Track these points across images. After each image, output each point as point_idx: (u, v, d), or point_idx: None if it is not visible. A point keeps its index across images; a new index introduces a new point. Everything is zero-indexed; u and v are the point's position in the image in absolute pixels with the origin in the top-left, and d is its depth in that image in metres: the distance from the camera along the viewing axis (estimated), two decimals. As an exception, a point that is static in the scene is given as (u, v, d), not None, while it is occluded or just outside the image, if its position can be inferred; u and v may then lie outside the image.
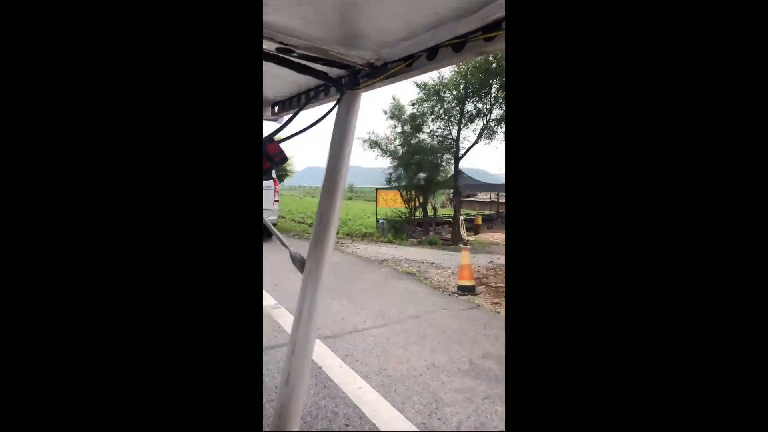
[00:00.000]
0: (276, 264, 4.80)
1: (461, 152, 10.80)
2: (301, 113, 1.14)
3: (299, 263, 1.03)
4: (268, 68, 0.88)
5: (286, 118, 1.43)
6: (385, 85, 0.92)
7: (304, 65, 0.88)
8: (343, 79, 0.97)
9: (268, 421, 2.23)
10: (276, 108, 1.40)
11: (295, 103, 1.27)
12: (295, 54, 0.83)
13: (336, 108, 0.99)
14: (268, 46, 0.79)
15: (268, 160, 0.93)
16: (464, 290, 4.98)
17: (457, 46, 0.72)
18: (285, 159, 0.96)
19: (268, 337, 3.29)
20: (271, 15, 0.69)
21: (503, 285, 5.49)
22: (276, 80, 1.11)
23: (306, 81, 1.09)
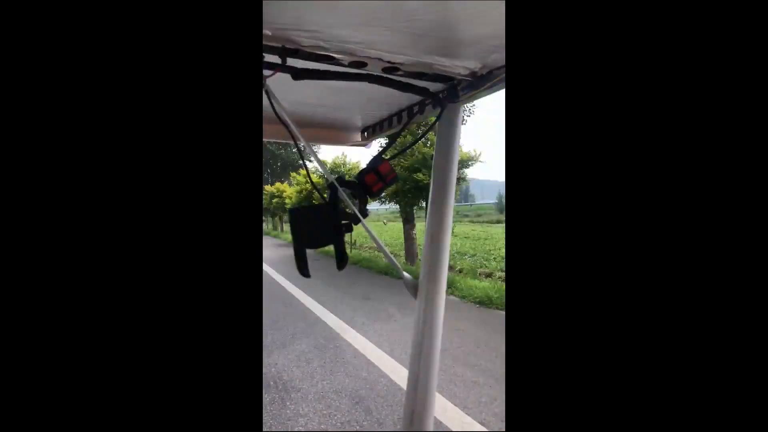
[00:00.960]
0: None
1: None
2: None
3: (412, 288, 0.99)
4: (363, 91, 0.86)
5: (374, 142, 1.43)
6: (486, 95, 0.90)
7: (406, 83, 0.86)
8: (441, 94, 0.95)
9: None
10: (365, 133, 1.41)
11: (386, 126, 1.26)
12: (400, 72, 0.82)
13: (437, 123, 0.98)
14: (373, 67, 0.78)
15: (380, 180, 0.89)
16: None
17: None
18: (396, 178, 0.92)
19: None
20: (377, 36, 0.68)
21: None
22: (368, 104, 1.09)
23: (398, 102, 1.08)
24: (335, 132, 1.41)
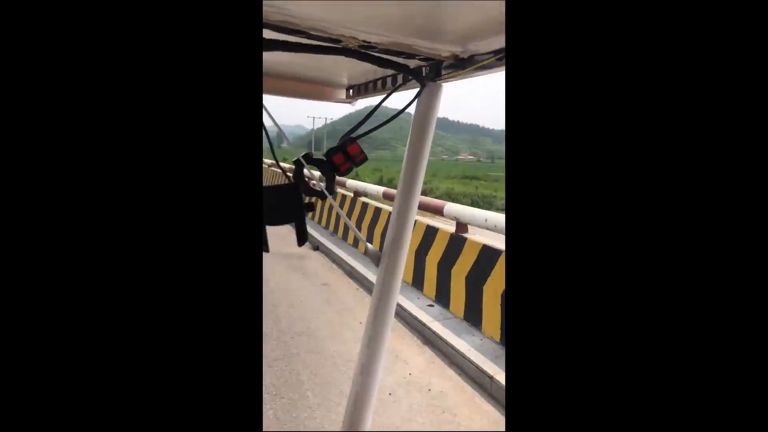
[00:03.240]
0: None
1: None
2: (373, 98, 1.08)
3: (374, 258, 1.01)
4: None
5: (359, 101, 1.40)
6: (470, 77, 0.89)
7: (385, 59, 0.86)
8: (423, 70, 0.94)
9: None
10: (351, 91, 1.37)
11: (371, 88, 1.24)
12: (376, 50, 0.81)
13: (416, 100, 0.97)
14: (349, 43, 0.77)
15: (349, 160, 0.92)
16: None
17: None
18: (365, 158, 0.95)
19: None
20: (354, 14, 0.67)
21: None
22: (352, 65, 1.08)
23: (383, 69, 1.07)
24: (319, 88, 1.37)
